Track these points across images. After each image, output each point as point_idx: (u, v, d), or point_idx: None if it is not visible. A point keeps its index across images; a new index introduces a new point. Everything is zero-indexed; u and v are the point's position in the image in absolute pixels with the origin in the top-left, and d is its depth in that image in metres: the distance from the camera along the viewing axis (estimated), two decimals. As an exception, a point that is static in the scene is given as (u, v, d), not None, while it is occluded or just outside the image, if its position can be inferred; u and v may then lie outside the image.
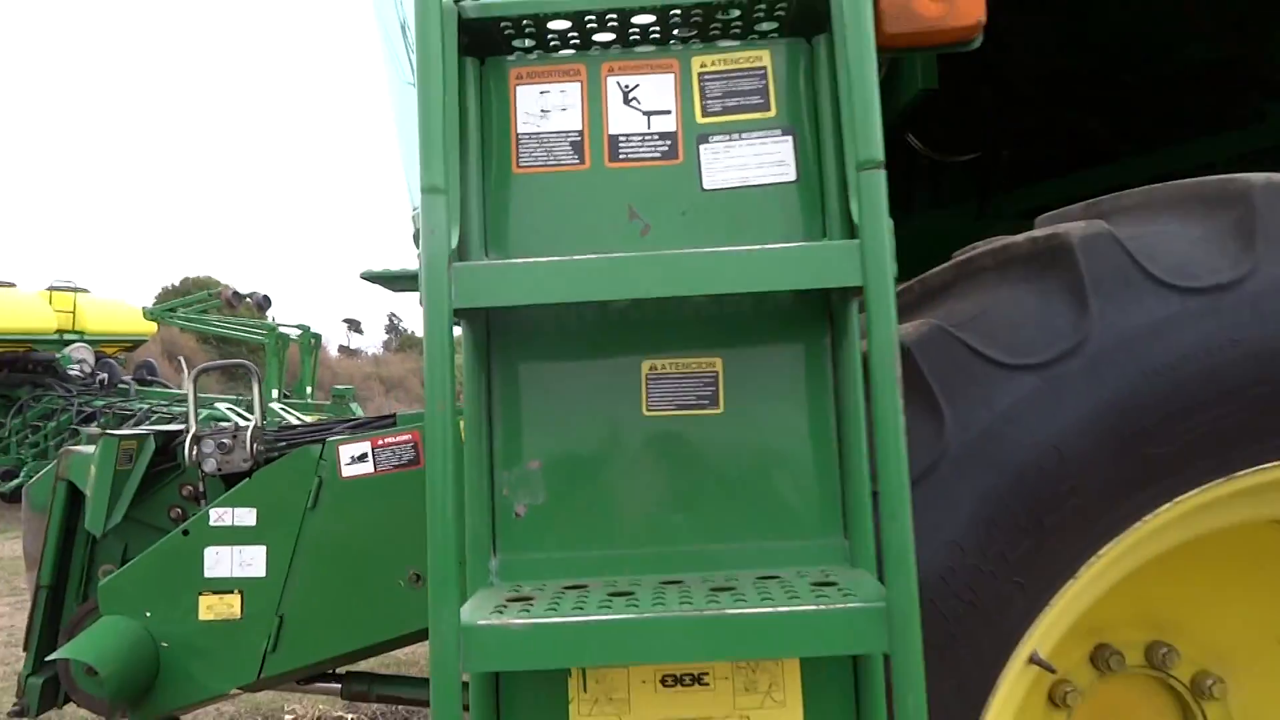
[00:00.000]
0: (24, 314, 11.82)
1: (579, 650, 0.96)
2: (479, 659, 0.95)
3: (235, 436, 2.63)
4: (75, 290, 12.72)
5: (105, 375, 11.93)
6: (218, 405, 8.39)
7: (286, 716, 4.99)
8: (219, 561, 2.52)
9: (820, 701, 1.12)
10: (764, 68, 1.22)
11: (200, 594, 2.48)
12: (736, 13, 1.18)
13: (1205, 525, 1.37)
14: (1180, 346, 1.25)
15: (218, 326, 12.35)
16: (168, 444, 2.79)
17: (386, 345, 39.21)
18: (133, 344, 13.93)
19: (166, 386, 12.89)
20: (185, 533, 2.49)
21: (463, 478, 1.08)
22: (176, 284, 28.90)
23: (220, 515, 2.51)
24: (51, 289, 12.54)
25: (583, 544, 1.14)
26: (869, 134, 1.04)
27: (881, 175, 1.02)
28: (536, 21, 1.19)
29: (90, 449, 2.77)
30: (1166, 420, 1.25)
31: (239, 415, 8.07)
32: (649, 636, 0.96)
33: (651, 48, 1.23)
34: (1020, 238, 1.36)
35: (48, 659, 2.54)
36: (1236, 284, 1.25)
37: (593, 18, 1.18)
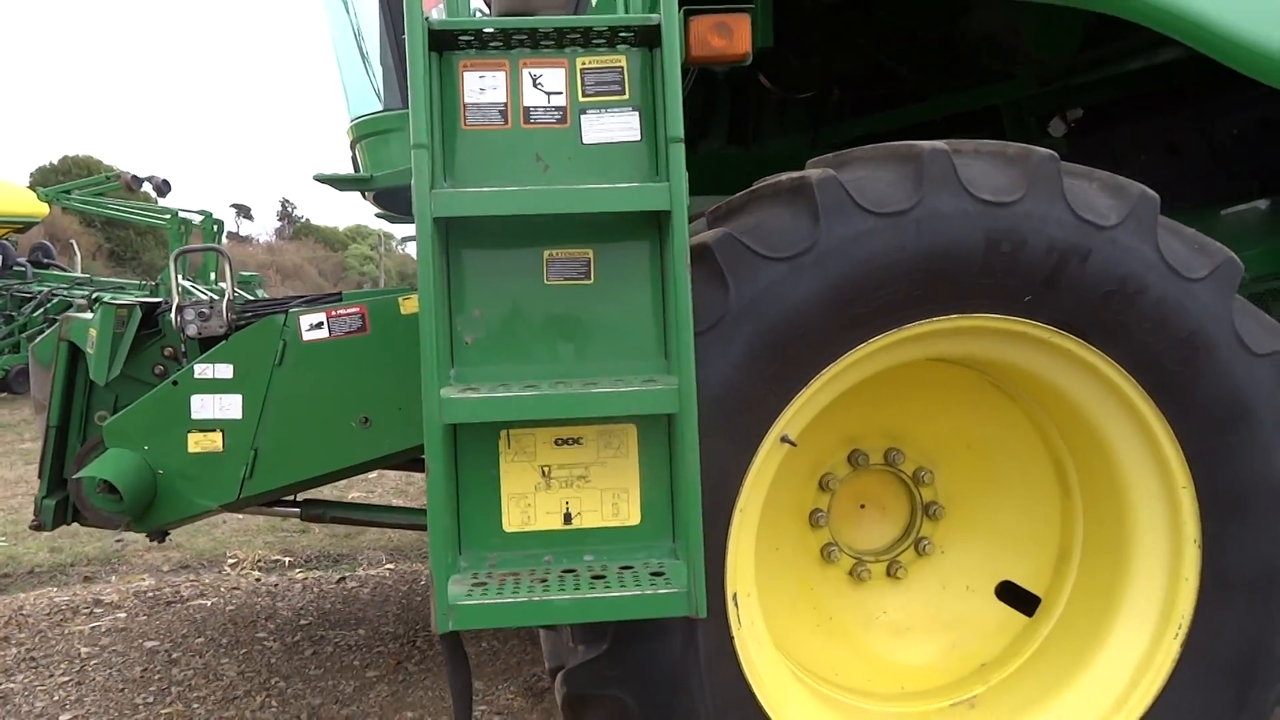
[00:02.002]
0: (-89, 193, 11.66)
1: (505, 410, 1.78)
2: (448, 415, 1.76)
3: (213, 306, 3.27)
4: (-39, 171, 12.49)
5: (0, 257, 11.95)
6: (184, 284, 8.75)
7: (230, 560, 5.71)
8: (204, 406, 3.19)
9: (647, 453, 1.96)
10: (622, 67, 1.98)
11: (189, 432, 3.14)
12: (605, 33, 1.93)
13: (891, 360, 2.25)
14: (874, 248, 2.10)
15: (116, 210, 12.40)
16: (151, 313, 3.41)
17: (279, 233, 38.39)
18: (24, 226, 13.83)
19: (63, 270, 12.92)
20: (175, 383, 3.14)
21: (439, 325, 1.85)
22: (55, 162, 27.67)
23: (203, 369, 3.17)
24: (-63, 168, 12.31)
25: (507, 361, 1.95)
26: (675, 118, 1.83)
27: (681, 146, 1.82)
28: (479, 33, 1.92)
29: (88, 315, 3.39)
30: (863, 292, 2.11)
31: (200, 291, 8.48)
32: (545, 405, 1.78)
33: (551, 51, 1.97)
34: (785, 176, 2.18)
35: (73, 476, 3.20)
36: (908, 211, 2.10)
37: (520, 34, 1.92)
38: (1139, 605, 2.35)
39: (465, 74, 1.97)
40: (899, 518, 2.69)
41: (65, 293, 11.15)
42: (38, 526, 3.38)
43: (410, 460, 3.50)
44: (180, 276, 3.51)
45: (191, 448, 3.15)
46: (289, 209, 39.72)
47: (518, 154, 1.97)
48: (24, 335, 11.20)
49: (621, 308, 1.98)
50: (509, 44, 1.98)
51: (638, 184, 1.90)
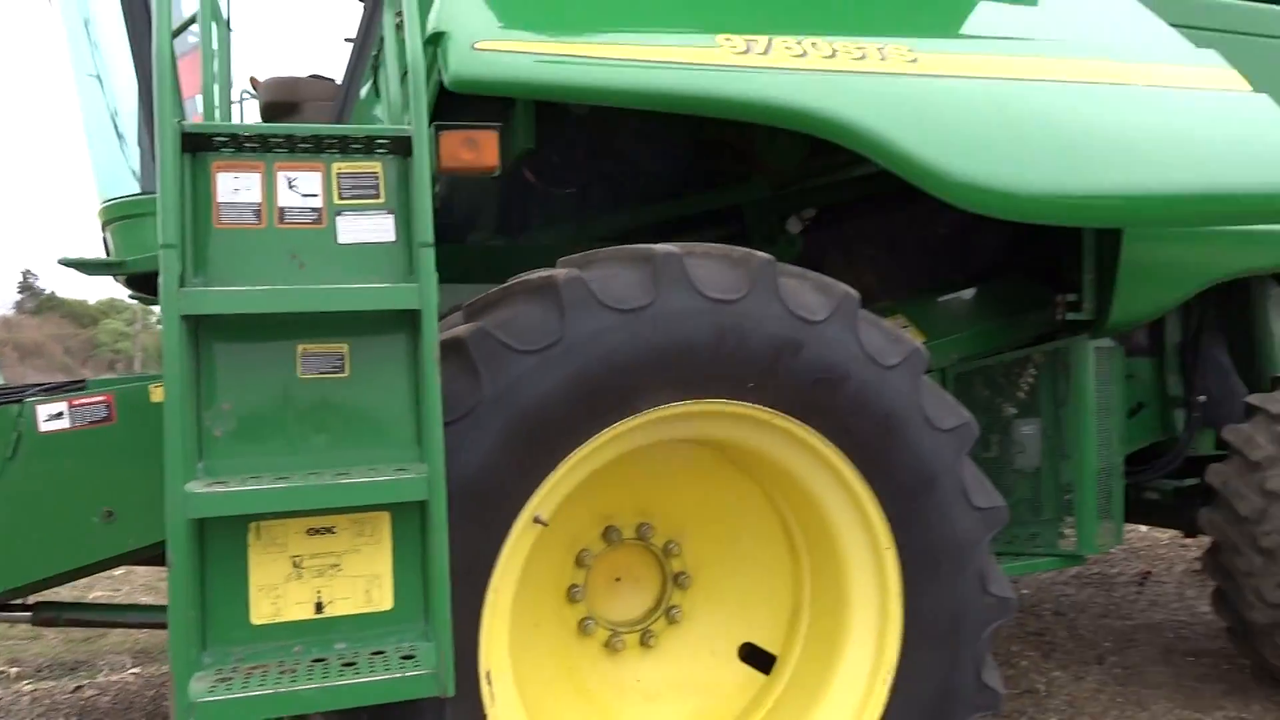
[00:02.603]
0: None
1: (255, 503, 1.83)
2: (193, 510, 1.79)
3: (-65, 396, 3.06)
4: None
5: None
6: None
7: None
8: (-78, 508, 2.94)
9: (401, 540, 2.06)
10: (377, 172, 2.12)
11: None
12: (362, 140, 2.07)
13: (635, 442, 2.47)
14: (615, 341, 2.32)
15: None
16: None
17: (19, 306, 34.95)
18: None
19: None
20: None
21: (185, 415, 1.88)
22: None
23: (-77, 465, 2.93)
24: None
25: (259, 453, 1.99)
26: (424, 224, 1.99)
27: (430, 251, 1.97)
28: (234, 138, 2.00)
29: None
30: (606, 381, 2.31)
31: None
32: (296, 496, 1.85)
33: (308, 155, 2.08)
34: (536, 275, 2.37)
35: None
36: (645, 307, 2.34)
37: (277, 139, 2.02)
38: (856, 655, 2.66)
39: (218, 174, 2.04)
40: (651, 588, 2.89)
41: None
42: None
43: (161, 554, 3.37)
44: None
45: (-90, 547, 2.92)
46: (30, 280, 36.26)
47: (272, 252, 2.06)
48: None
49: (376, 400, 2.09)
50: (266, 148, 2.07)
51: (390, 284, 2.04)
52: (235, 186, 2.05)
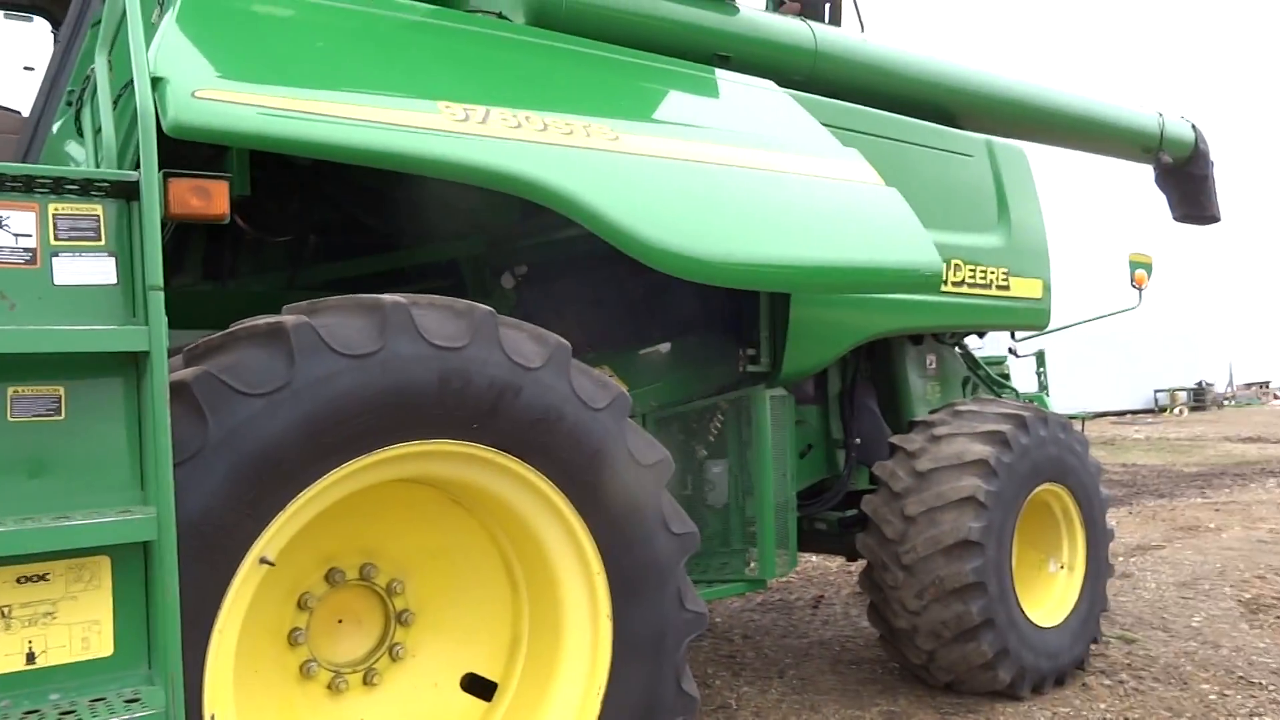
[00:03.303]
0: None
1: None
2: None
3: None
4: None
5: None
6: None
7: None
8: None
9: (122, 584, 2.05)
10: (98, 215, 2.13)
11: None
12: (79, 183, 2.08)
13: (362, 482, 2.60)
14: (343, 385, 2.45)
15: None
16: None
17: None
18: None
19: None
20: None
21: None
22: None
23: None
24: None
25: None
26: (154, 268, 2.04)
27: (160, 294, 2.02)
28: (-65, 172, 1.95)
29: None
30: (334, 424, 2.43)
31: None
32: (16, 540, 1.82)
33: (20, 195, 2.05)
34: (263, 320, 2.45)
35: None
36: (374, 354, 2.49)
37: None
38: (571, 673, 2.91)
39: (-79, 211, 1.97)
40: (374, 628, 2.98)
41: None
42: None
43: None
44: None
45: None
46: None
47: (-21, 291, 2.00)
48: None
49: (96, 443, 2.07)
50: (-31, 187, 2.03)
51: (116, 326, 2.05)
52: (-64, 224, 1.98)
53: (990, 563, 4.45)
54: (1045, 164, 6.29)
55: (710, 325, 4.91)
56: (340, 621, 2.92)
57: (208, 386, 2.28)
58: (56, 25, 4.54)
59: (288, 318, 2.46)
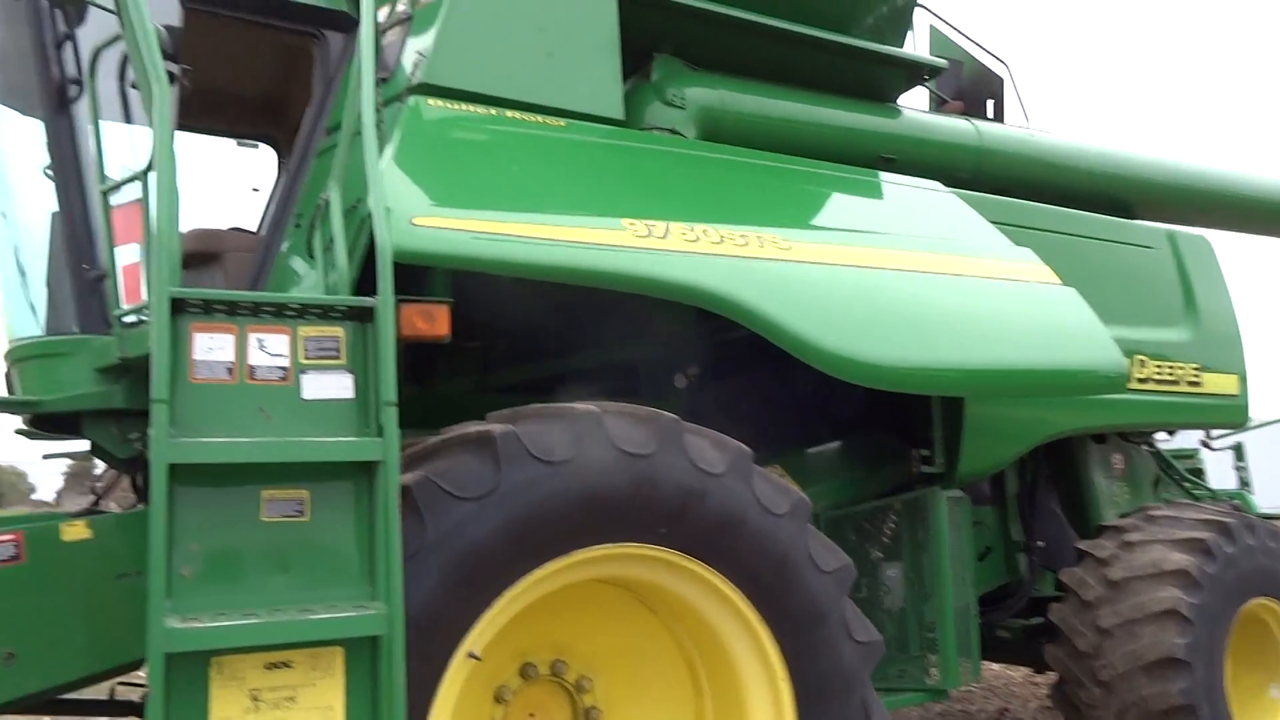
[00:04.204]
0: None
1: (226, 638, 2.01)
2: (171, 644, 1.96)
3: None
4: None
5: None
6: None
7: None
8: None
9: (354, 673, 2.24)
10: (339, 338, 2.41)
11: None
12: (320, 310, 2.37)
13: (560, 582, 2.75)
14: (544, 488, 2.62)
15: None
16: None
17: None
18: None
19: None
20: None
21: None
22: None
23: None
24: None
25: (223, 591, 2.17)
26: (388, 385, 2.28)
27: (394, 409, 2.26)
28: (205, 304, 2.26)
29: None
30: (537, 526, 2.60)
31: None
32: (263, 632, 2.04)
33: (274, 319, 2.35)
34: (473, 429, 2.67)
35: None
36: (570, 460, 2.67)
37: (245, 305, 2.29)
38: (754, 780, 2.93)
39: (196, 335, 2.29)
40: (563, 724, 3.09)
41: None
42: None
43: (50, 701, 3.31)
44: None
45: None
46: None
47: (242, 405, 2.30)
48: None
49: (333, 542, 2.31)
50: (234, 312, 2.34)
51: (355, 438, 2.30)
52: (210, 346, 2.30)
53: (1200, 684, 4.15)
54: (1239, 250, 6.03)
55: (880, 424, 4.89)
56: (532, 716, 3.05)
57: (426, 490, 2.50)
58: (281, 152, 5.11)
59: (494, 426, 2.67)
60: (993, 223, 4.40)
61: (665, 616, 3.14)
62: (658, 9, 4.02)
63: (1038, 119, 5.89)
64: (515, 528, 2.58)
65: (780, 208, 3.89)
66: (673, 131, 4.10)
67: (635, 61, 4.06)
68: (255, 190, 5.25)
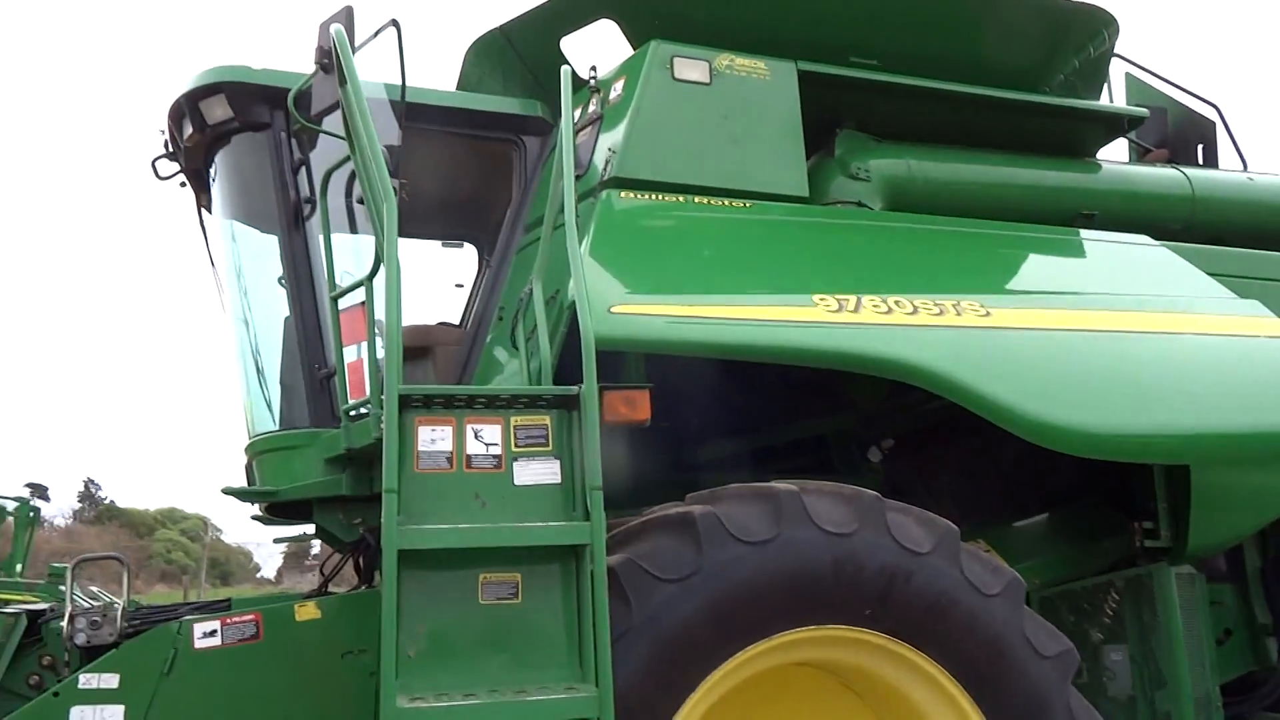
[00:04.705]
0: None
1: (453, 717, 2.10)
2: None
3: (105, 614, 3.37)
4: None
5: None
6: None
7: None
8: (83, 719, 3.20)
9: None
10: (546, 425, 2.53)
11: None
12: (528, 400, 2.49)
13: (763, 665, 2.72)
14: (745, 569, 2.62)
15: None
16: (34, 620, 3.47)
17: (79, 515, 35.82)
18: None
19: None
20: (55, 694, 3.17)
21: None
22: None
23: (88, 680, 3.23)
24: None
25: (445, 671, 2.29)
26: (594, 469, 2.36)
27: (600, 493, 2.33)
28: (426, 398, 2.43)
29: (-33, 624, 3.42)
30: (741, 605, 2.59)
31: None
32: (490, 713, 2.13)
33: (487, 410, 2.49)
34: (673, 510, 2.71)
35: None
36: (771, 540, 2.66)
37: (460, 399, 2.45)
38: None
39: (420, 428, 2.46)
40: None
41: None
42: None
43: None
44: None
45: (66, 764, 3.13)
46: (93, 490, 37.39)
47: (460, 492, 2.44)
48: None
49: (543, 623, 2.39)
50: (451, 405, 2.50)
51: (564, 522, 2.39)
52: (432, 437, 2.46)
53: None
54: None
55: (1096, 495, 4.58)
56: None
57: (631, 573, 2.55)
58: (481, 249, 5.45)
59: (694, 507, 2.70)
60: (1212, 274, 4.10)
61: (872, 701, 3.04)
62: (840, 87, 4.06)
63: (1257, 161, 5.47)
64: (718, 609, 2.58)
65: (976, 273, 3.79)
66: (858, 204, 4.09)
67: (818, 138, 4.10)
68: (459, 286, 5.61)
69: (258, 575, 35.01)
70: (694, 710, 2.60)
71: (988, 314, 3.47)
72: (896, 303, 3.39)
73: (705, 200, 3.65)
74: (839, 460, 4.67)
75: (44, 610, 3.53)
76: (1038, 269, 4.00)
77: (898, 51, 4.18)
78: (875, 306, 3.35)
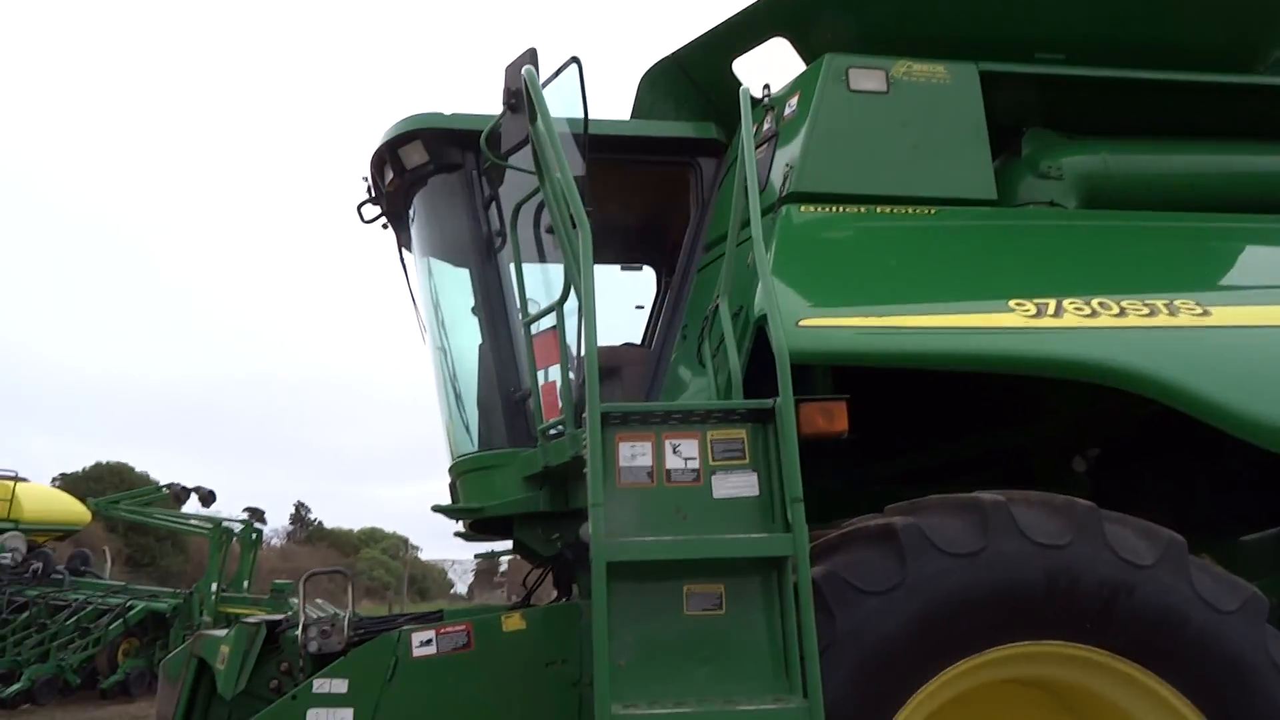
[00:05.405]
0: (-40, 503, 12.25)
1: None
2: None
3: (334, 624, 3.63)
4: (16, 479, 13.18)
5: (39, 565, 12.28)
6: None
7: None
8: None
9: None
10: (742, 439, 2.53)
11: None
12: (724, 412, 2.51)
13: (973, 681, 2.61)
14: (950, 582, 2.53)
15: (161, 520, 12.91)
16: (272, 630, 3.77)
17: (291, 535, 38.69)
18: (65, 533, 14.29)
19: (99, 577, 13.18)
20: (294, 698, 3.42)
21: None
22: (86, 468, 28.64)
23: (321, 684, 3.46)
24: (-9, 478, 12.97)
25: (654, 680, 2.32)
26: (793, 480, 2.34)
27: (801, 504, 2.31)
28: (625, 415, 2.49)
29: (219, 633, 3.75)
30: (948, 619, 2.51)
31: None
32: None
33: (684, 425, 2.53)
34: (874, 522, 2.66)
35: None
36: (978, 552, 2.56)
37: (657, 415, 2.49)
38: None
39: (620, 445, 2.52)
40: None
41: (100, 600, 11.35)
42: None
43: None
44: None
45: (308, 760, 3.37)
46: (304, 512, 40.37)
47: (661, 506, 2.48)
48: (55, 644, 11.09)
49: (747, 635, 2.39)
50: (648, 421, 2.55)
51: (767, 534, 2.39)
52: (633, 453, 2.52)
53: None
54: None
55: (1337, 505, 4.15)
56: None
57: (833, 585, 2.52)
58: (660, 271, 5.55)
59: (896, 519, 2.64)
60: None
61: (1092, 723, 2.85)
62: (1024, 85, 3.90)
63: None
64: (924, 622, 2.50)
65: (1189, 270, 3.54)
66: (1051, 204, 3.90)
67: (1003, 138, 3.94)
68: (639, 308, 5.73)
69: (451, 591, 36.65)
70: (903, 727, 2.53)
71: (1206, 312, 3.23)
72: (1101, 304, 3.21)
73: (887, 209, 3.58)
74: (1039, 471, 4.43)
75: (279, 620, 3.82)
76: (1260, 262, 3.68)
77: (1087, 42, 3.97)
78: (1077, 309, 3.18)
